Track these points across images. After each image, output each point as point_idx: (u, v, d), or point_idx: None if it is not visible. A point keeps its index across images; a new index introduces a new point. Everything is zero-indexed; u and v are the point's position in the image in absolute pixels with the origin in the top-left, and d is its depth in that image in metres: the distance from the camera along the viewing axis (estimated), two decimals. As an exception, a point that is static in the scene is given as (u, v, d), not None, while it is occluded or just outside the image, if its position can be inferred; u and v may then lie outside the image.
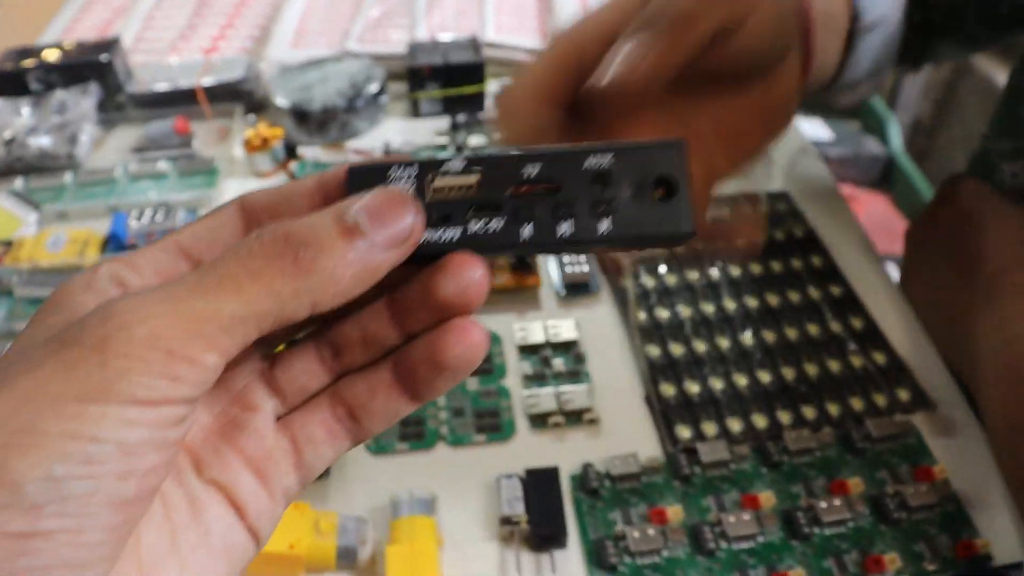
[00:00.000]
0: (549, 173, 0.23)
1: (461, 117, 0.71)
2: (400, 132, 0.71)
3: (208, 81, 0.74)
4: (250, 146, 0.66)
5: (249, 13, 0.90)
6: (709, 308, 0.53)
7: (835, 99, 0.50)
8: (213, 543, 0.22)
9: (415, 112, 0.72)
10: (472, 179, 0.23)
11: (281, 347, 0.25)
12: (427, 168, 0.23)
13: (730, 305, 0.54)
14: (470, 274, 0.22)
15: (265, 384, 0.24)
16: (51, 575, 0.18)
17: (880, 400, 0.48)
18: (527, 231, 0.23)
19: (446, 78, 0.70)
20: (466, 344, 0.23)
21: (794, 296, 0.54)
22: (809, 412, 0.47)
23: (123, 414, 0.18)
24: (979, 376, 0.46)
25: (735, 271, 0.56)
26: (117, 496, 0.18)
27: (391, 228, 0.21)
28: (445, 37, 0.75)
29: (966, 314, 0.48)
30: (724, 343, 0.51)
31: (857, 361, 0.50)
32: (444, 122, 0.71)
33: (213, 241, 0.23)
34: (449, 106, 0.72)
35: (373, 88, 0.70)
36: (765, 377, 0.49)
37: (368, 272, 0.21)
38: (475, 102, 0.72)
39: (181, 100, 0.75)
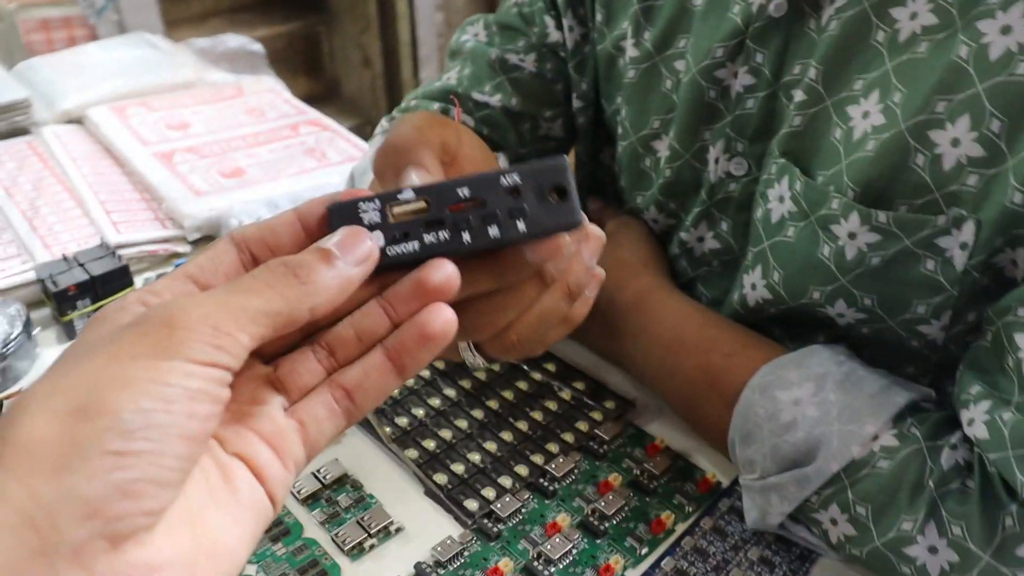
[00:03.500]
0: (475, 193, 0.32)
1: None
2: (65, 357, 0.69)
3: None
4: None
5: None
6: (436, 401, 0.62)
7: None
8: (242, 500, 0.28)
9: (69, 334, 0.71)
10: (421, 204, 0.32)
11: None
12: (386, 200, 0.32)
13: (451, 392, 0.62)
14: (448, 269, 0.31)
15: (271, 386, 0.31)
16: (136, 487, 0.23)
17: (597, 416, 0.60)
18: (467, 236, 0.32)
19: (94, 291, 0.70)
20: (445, 317, 0.31)
21: (496, 366, 0.65)
22: (553, 447, 0.58)
23: (185, 368, 0.25)
24: (641, 365, 0.60)
25: (439, 363, 0.65)
26: (186, 430, 0.25)
27: (355, 252, 0.30)
28: (74, 251, 0.74)
29: (606, 330, 0.62)
30: (463, 423, 0.60)
31: (567, 395, 0.62)
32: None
33: (215, 269, 0.30)
34: (106, 316, 0.71)
35: (18, 326, 0.67)
36: (508, 436, 0.59)
37: (346, 282, 0.30)
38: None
39: None
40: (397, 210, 0.32)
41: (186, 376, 0.25)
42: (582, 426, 0.59)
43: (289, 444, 0.30)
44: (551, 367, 0.65)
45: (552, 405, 0.61)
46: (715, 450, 0.57)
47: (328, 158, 0.95)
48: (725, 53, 0.55)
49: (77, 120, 1.04)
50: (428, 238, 0.31)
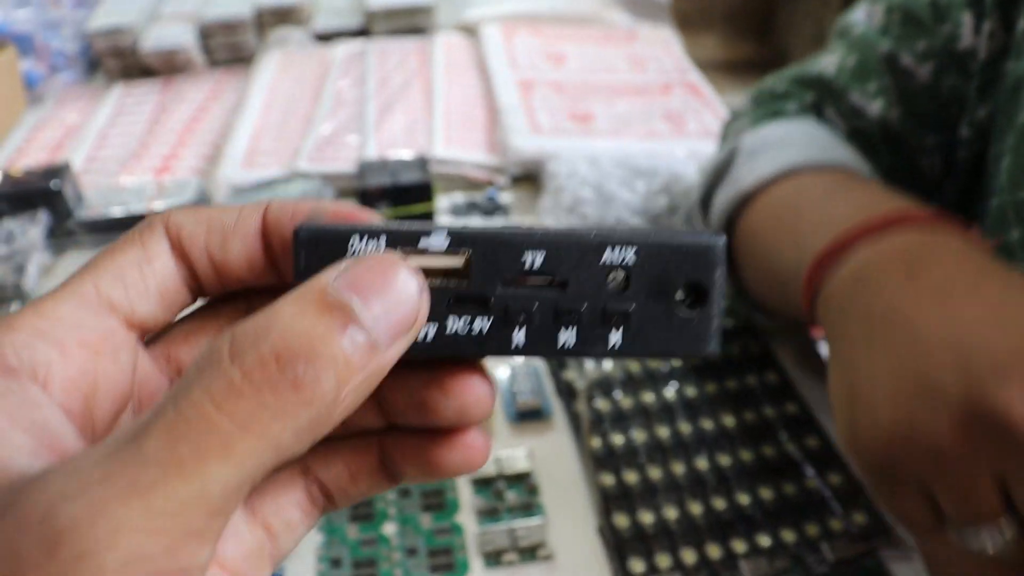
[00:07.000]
0: (556, 265, 0.19)
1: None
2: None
3: (160, 205, 0.74)
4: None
5: (201, 130, 0.90)
6: (664, 432, 0.53)
7: None
8: None
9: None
10: (457, 262, 0.19)
11: None
12: (399, 241, 0.19)
13: (685, 428, 0.53)
14: (473, 393, 0.20)
15: None
16: None
17: (836, 525, 0.47)
18: (520, 337, 0.19)
19: (395, 198, 0.71)
20: (467, 456, 0.21)
21: (749, 416, 0.54)
22: (764, 540, 0.47)
23: None
24: None
25: (690, 391, 0.56)
26: None
27: (393, 310, 0.16)
28: (394, 155, 0.76)
29: None
30: (679, 468, 0.51)
31: (812, 483, 0.50)
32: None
33: (144, 287, 0.19)
34: (400, 225, 0.72)
35: (324, 210, 0.70)
36: (720, 504, 0.49)
37: (375, 377, 0.16)
38: (425, 220, 0.73)
39: (133, 225, 0.74)
40: (414, 263, 0.18)
41: None
42: (811, 529, 0.47)
43: (256, 567, 0.20)
44: (813, 442, 0.52)
45: (790, 488, 0.50)
46: None
47: (686, 128, 0.87)
48: None
49: (470, 31, 1.06)
50: (454, 324, 0.19)
